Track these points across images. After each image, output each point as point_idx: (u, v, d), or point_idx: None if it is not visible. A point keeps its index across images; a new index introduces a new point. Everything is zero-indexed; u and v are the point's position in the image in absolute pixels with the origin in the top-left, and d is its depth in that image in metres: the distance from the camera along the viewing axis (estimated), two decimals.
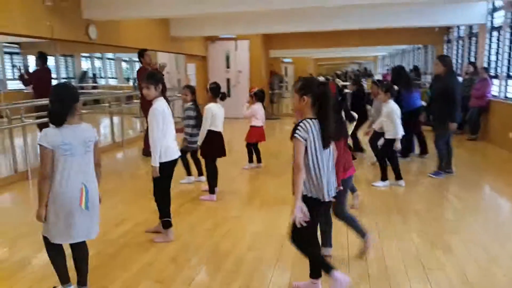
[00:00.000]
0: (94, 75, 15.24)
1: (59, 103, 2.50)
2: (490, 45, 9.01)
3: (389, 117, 5.17)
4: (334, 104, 2.76)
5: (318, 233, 3.01)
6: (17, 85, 11.39)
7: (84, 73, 14.66)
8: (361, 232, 3.25)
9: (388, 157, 5.31)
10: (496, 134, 7.91)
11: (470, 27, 10.26)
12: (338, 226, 3.91)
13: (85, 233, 2.62)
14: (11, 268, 3.24)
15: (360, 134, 6.72)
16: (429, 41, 13.25)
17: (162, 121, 3.47)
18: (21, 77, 7.41)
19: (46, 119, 2.57)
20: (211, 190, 4.84)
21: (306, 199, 2.54)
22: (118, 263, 3.29)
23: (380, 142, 5.65)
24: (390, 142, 5.17)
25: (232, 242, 3.68)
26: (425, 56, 14.87)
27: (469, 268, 3.13)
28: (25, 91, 10.03)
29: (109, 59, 15.62)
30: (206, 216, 4.39)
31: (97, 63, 15.72)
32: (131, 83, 14.56)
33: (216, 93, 4.92)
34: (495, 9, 8.73)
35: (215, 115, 4.76)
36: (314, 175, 2.54)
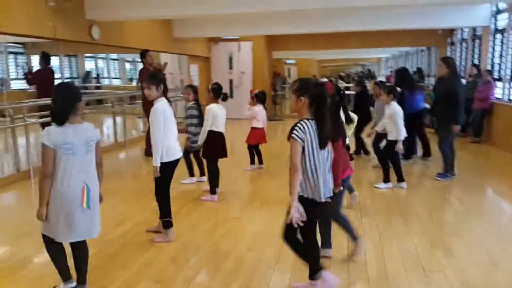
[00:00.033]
0: (98, 75, 15.30)
1: (61, 102, 2.51)
2: (493, 48, 8.98)
3: (392, 119, 5.16)
4: (332, 104, 2.76)
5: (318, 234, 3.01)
6: (20, 84, 11.46)
7: (88, 73, 14.71)
8: (353, 235, 3.24)
9: (390, 159, 5.29)
10: (500, 136, 7.88)
11: (474, 29, 10.22)
12: (336, 228, 3.91)
13: (86, 232, 2.63)
14: (12, 266, 3.25)
15: (364, 136, 6.71)
16: (433, 43, 13.22)
17: (163, 121, 3.48)
18: (25, 76, 7.45)
19: (48, 119, 2.58)
20: (212, 191, 4.84)
21: (302, 199, 2.55)
22: (118, 263, 3.29)
23: (383, 144, 5.63)
24: (392, 143, 5.16)
25: (232, 242, 3.67)
26: (429, 58, 14.83)
27: (470, 272, 3.11)
28: (28, 90, 10.08)
29: (112, 59, 15.67)
30: (206, 216, 4.39)
31: (101, 64, 15.78)
32: (134, 83, 14.59)
33: (218, 93, 4.92)
34: (498, 12, 8.70)
35: (216, 115, 4.76)
36: (311, 175, 2.55)
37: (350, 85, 15.70)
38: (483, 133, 8.36)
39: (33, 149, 6.10)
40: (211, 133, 4.78)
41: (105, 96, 11.06)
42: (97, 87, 14.22)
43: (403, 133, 5.12)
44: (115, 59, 15.63)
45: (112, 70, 15.99)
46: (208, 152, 4.87)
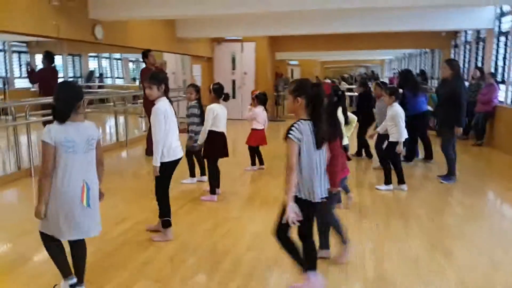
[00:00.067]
0: (101, 74, 15.36)
1: (63, 100, 2.52)
2: (497, 50, 8.95)
3: (393, 120, 5.15)
4: (329, 105, 2.77)
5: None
6: (24, 83, 11.53)
7: (91, 73, 14.77)
8: (343, 238, 3.24)
9: (391, 160, 5.28)
10: (502, 140, 7.84)
11: (478, 31, 10.19)
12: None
13: (86, 231, 2.63)
14: (12, 264, 3.27)
15: (367, 138, 6.70)
16: (436, 46, 13.19)
17: (164, 121, 3.48)
18: (28, 74, 7.47)
19: (50, 117, 2.59)
20: (212, 191, 4.84)
21: (297, 200, 2.56)
22: (116, 262, 3.29)
23: (385, 145, 5.62)
24: (393, 145, 5.15)
25: (231, 242, 3.67)
26: (432, 60, 14.80)
27: (469, 274, 3.10)
28: (32, 89, 10.14)
29: (116, 59, 15.74)
30: (206, 216, 4.39)
31: (104, 63, 15.85)
32: (137, 83, 14.65)
33: (219, 93, 4.92)
34: (503, 14, 8.67)
35: (217, 115, 4.76)
36: (307, 176, 2.56)
37: (353, 86, 15.69)
38: (485, 136, 8.32)
39: (35, 147, 6.12)
40: (211, 133, 4.78)
41: (107, 96, 11.09)
42: (100, 87, 14.27)
43: (404, 135, 5.11)
44: (119, 59, 15.69)
45: (115, 70, 16.06)
46: (209, 152, 4.88)
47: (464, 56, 11.42)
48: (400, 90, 5.64)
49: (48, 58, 7.21)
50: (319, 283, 2.70)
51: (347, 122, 4.01)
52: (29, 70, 7.47)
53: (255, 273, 3.12)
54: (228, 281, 2.99)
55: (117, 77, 16.05)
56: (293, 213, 2.50)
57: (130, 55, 14.77)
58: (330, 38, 11.98)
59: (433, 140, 6.98)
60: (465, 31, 11.19)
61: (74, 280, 2.66)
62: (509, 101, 8.12)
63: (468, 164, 6.68)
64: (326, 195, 2.69)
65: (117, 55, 15.43)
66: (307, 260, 2.74)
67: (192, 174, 5.55)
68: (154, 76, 3.62)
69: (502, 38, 8.67)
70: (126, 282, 2.98)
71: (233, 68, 12.85)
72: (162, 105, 3.52)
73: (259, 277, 3.06)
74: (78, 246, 2.71)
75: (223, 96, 4.97)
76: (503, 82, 8.49)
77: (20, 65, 12.36)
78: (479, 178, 6.08)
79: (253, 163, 6.35)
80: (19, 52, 12.70)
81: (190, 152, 5.31)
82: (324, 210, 2.99)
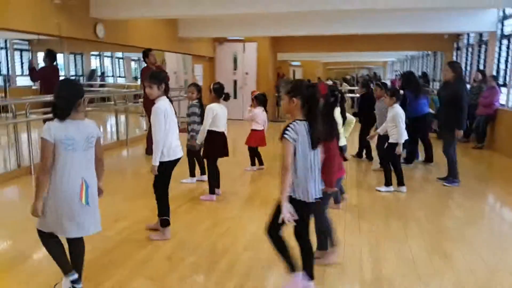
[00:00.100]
0: (103, 73, 15.38)
1: (64, 98, 2.52)
2: (499, 53, 8.93)
3: (394, 121, 5.15)
4: (325, 105, 2.77)
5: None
6: (25, 81, 11.54)
7: (93, 71, 14.79)
8: (332, 240, 3.23)
9: (391, 162, 5.27)
10: (503, 143, 7.83)
11: (480, 34, 10.17)
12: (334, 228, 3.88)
13: (87, 228, 2.63)
14: (11, 261, 3.28)
15: (369, 139, 6.69)
16: (439, 48, 13.18)
17: (164, 120, 3.48)
18: (30, 71, 7.48)
19: (51, 115, 2.60)
20: (211, 190, 4.84)
21: (291, 200, 2.57)
22: (114, 260, 3.30)
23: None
24: (393, 146, 5.14)
25: (229, 242, 3.67)
26: (434, 63, 14.78)
27: (466, 278, 3.09)
28: (33, 87, 10.15)
29: (118, 58, 15.76)
30: (205, 215, 4.39)
31: (106, 62, 15.87)
32: (139, 82, 14.67)
33: (220, 93, 4.92)
34: (505, 17, 8.65)
35: (216, 115, 4.75)
36: (302, 176, 2.57)
37: (355, 88, 15.68)
38: (486, 139, 8.31)
39: (35, 145, 6.13)
40: (211, 133, 4.78)
41: (108, 94, 11.11)
42: (102, 85, 14.29)
43: (404, 136, 5.11)
44: (121, 58, 15.71)
45: (117, 69, 16.08)
46: (208, 151, 4.87)
47: (466, 59, 11.41)
48: (401, 92, 5.62)
49: (50, 56, 7.21)
50: (304, 285, 2.70)
51: (345, 122, 4.00)
52: (30, 68, 7.47)
53: (252, 273, 3.12)
54: (225, 280, 2.99)
55: (119, 76, 16.06)
56: (288, 213, 2.51)
57: (132, 54, 14.78)
58: (332, 39, 11.97)
59: (434, 142, 6.97)
60: (468, 34, 11.17)
61: (76, 275, 2.66)
62: (510, 104, 8.10)
63: (468, 167, 6.66)
64: (320, 195, 2.70)
65: (119, 54, 15.45)
66: (304, 260, 2.75)
67: (192, 174, 5.55)
68: (154, 75, 3.62)
69: (505, 41, 8.65)
70: (124, 280, 2.98)
71: (235, 68, 12.85)
72: (162, 104, 3.52)
73: (256, 277, 3.06)
74: (77, 244, 2.71)
75: (223, 95, 4.97)
76: (504, 85, 8.48)
77: (22, 63, 12.39)
78: (479, 181, 6.06)
79: (253, 164, 6.35)
80: (21, 50, 12.73)
81: (190, 152, 5.31)
82: (318, 210, 2.99)
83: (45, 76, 7.07)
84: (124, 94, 9.76)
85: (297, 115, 2.59)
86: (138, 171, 6.44)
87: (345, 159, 3.45)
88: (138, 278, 3.01)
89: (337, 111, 3.57)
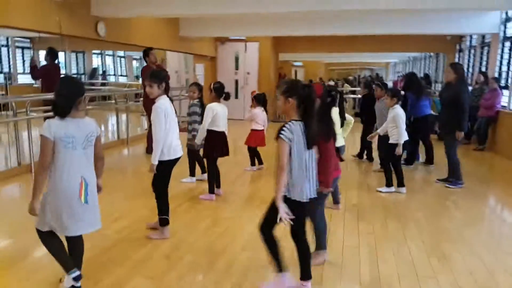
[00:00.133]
0: (104, 72, 15.40)
1: (64, 96, 2.52)
2: (502, 55, 8.91)
3: (394, 122, 5.14)
4: (322, 105, 2.77)
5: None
6: (27, 79, 11.56)
7: (94, 70, 14.82)
8: (321, 242, 3.22)
9: (391, 162, 5.26)
10: (504, 145, 7.81)
11: (483, 36, 10.15)
12: (333, 229, 3.89)
13: (86, 226, 2.64)
14: (11, 258, 3.28)
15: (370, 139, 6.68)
16: (441, 50, 13.16)
17: (165, 119, 3.48)
18: (31, 69, 7.48)
19: (51, 113, 2.60)
20: (211, 190, 4.84)
21: (286, 199, 2.58)
22: (113, 258, 3.30)
23: None
24: (394, 146, 5.13)
25: (228, 241, 3.67)
26: (437, 64, 14.76)
27: (464, 279, 3.08)
28: (34, 85, 10.16)
29: (120, 57, 15.78)
30: (204, 215, 4.38)
31: (108, 61, 15.89)
32: (140, 81, 14.69)
33: (220, 93, 4.90)
34: (508, 19, 8.63)
35: (216, 114, 4.73)
36: (297, 176, 2.57)
37: (357, 88, 15.66)
38: (488, 141, 8.29)
39: (36, 143, 6.13)
40: (211, 132, 4.76)
41: (109, 93, 11.13)
42: (103, 84, 14.31)
43: (404, 137, 5.10)
44: (122, 57, 15.74)
45: (118, 68, 16.10)
46: (208, 151, 4.86)
47: (469, 61, 11.38)
48: (402, 92, 5.61)
49: (52, 54, 7.22)
50: (288, 285, 2.71)
51: (342, 124, 3.99)
52: (32, 66, 7.47)
53: (250, 272, 3.12)
54: (224, 279, 2.99)
55: (121, 75, 16.09)
56: (284, 213, 2.51)
57: (134, 53, 14.81)
58: (334, 40, 11.97)
59: (435, 144, 6.95)
60: (470, 36, 11.15)
61: (78, 272, 2.65)
62: None
63: (469, 169, 6.64)
64: (315, 195, 2.69)
65: (121, 53, 15.49)
66: (300, 260, 2.75)
67: (192, 173, 5.55)
68: (155, 74, 3.61)
69: (507, 43, 8.64)
70: (123, 278, 2.98)
71: (236, 68, 12.84)
72: (163, 104, 3.51)
73: (254, 277, 3.05)
74: (76, 242, 2.72)
75: (223, 95, 4.96)
76: (506, 87, 8.46)
77: (24, 61, 12.41)
78: (480, 182, 6.04)
79: (253, 163, 6.34)
80: (23, 48, 12.75)
81: (191, 151, 5.30)
82: (313, 210, 2.99)
83: (47, 75, 7.08)
84: (125, 93, 9.76)
85: (293, 115, 2.59)
86: (138, 170, 6.43)
87: (341, 160, 3.43)
88: (136, 277, 3.01)
89: (334, 112, 3.56)
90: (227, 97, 5.03)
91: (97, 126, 2.68)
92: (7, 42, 12.26)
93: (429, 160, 6.85)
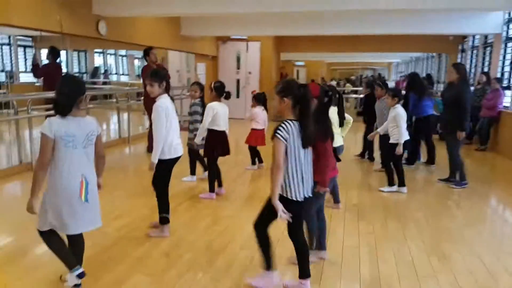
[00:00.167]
0: (106, 70, 15.42)
1: (65, 94, 2.52)
2: (504, 56, 8.88)
3: (395, 121, 5.13)
4: (319, 105, 2.77)
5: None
6: (29, 77, 11.58)
7: (96, 69, 14.84)
8: (313, 241, 3.21)
9: (393, 162, 5.25)
10: (506, 145, 7.79)
11: (485, 36, 10.12)
12: (332, 230, 3.88)
13: (87, 224, 2.64)
14: (11, 255, 3.30)
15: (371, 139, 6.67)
16: (444, 50, 13.13)
17: (165, 118, 3.48)
18: (33, 67, 7.50)
19: (52, 111, 2.60)
20: (211, 189, 4.83)
21: (282, 199, 2.58)
22: (113, 256, 3.30)
23: None
24: (394, 146, 5.12)
25: (227, 240, 3.67)
26: (439, 64, 14.73)
27: (464, 279, 3.07)
28: (36, 84, 10.18)
29: (121, 56, 15.80)
30: (204, 213, 4.38)
31: (110, 60, 15.91)
32: (141, 80, 14.69)
33: (220, 92, 4.89)
34: (511, 20, 8.60)
35: (217, 113, 4.72)
36: (292, 175, 2.58)
37: (359, 88, 15.66)
38: (489, 141, 8.27)
39: (37, 141, 6.14)
40: (212, 132, 4.75)
41: (111, 92, 11.13)
42: (105, 83, 14.33)
43: (405, 137, 5.08)
44: (124, 56, 15.75)
45: (120, 66, 16.12)
46: (209, 150, 4.86)
47: (471, 61, 11.36)
48: (403, 92, 5.60)
49: (53, 53, 7.21)
50: (273, 283, 2.73)
51: (342, 123, 3.98)
52: (34, 64, 7.48)
53: (249, 271, 3.10)
54: (223, 278, 2.99)
55: (122, 74, 16.10)
56: (282, 211, 2.52)
57: (135, 52, 14.82)
58: (336, 40, 11.95)
59: (437, 144, 6.93)
60: (473, 36, 11.12)
61: (81, 269, 2.65)
62: None
63: (471, 169, 6.61)
64: (311, 194, 2.70)
65: (123, 52, 15.50)
66: (298, 259, 2.75)
67: (193, 172, 5.54)
68: (155, 73, 3.62)
69: (510, 44, 8.62)
70: (123, 276, 2.98)
71: (238, 68, 12.82)
72: (163, 102, 3.51)
73: (252, 275, 3.03)
74: (76, 240, 2.72)
75: (224, 94, 4.95)
76: (508, 87, 8.44)
77: (26, 59, 12.43)
78: (482, 183, 6.02)
79: (253, 163, 6.34)
80: (25, 47, 12.78)
81: (192, 150, 5.30)
82: (309, 209, 2.98)
83: (48, 73, 7.08)
84: (127, 92, 9.76)
85: (288, 115, 2.59)
86: (139, 169, 6.43)
87: (338, 160, 3.42)
88: (136, 274, 3.01)
89: (332, 111, 3.55)
90: (227, 96, 5.02)
91: (98, 125, 2.68)
92: (9, 40, 12.29)
93: (431, 160, 6.84)
